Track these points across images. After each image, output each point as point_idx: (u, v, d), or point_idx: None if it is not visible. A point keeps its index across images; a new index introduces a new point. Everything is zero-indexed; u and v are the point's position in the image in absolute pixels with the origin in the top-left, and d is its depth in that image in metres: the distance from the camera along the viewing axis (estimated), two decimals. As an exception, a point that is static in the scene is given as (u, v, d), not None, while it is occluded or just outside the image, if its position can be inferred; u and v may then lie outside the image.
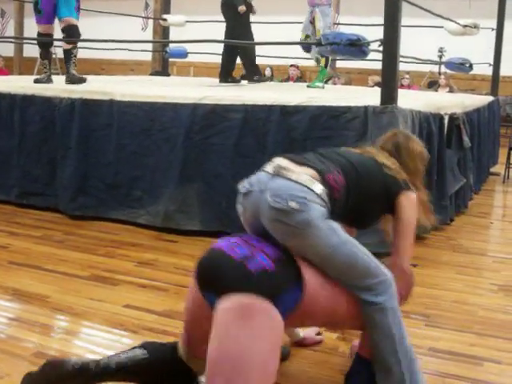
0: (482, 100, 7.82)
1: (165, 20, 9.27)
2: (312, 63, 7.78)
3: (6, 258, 4.18)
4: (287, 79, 12.70)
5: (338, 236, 2.32)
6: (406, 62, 6.60)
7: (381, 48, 4.39)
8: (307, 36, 7.00)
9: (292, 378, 2.74)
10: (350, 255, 2.32)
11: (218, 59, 7.38)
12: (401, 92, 4.69)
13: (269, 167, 2.44)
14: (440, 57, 12.14)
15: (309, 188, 2.31)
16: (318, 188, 2.33)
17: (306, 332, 3.01)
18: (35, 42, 6.24)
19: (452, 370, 2.82)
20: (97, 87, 5.60)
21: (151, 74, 10.12)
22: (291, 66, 12.83)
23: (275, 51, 7.61)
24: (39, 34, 6.16)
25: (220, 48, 7.31)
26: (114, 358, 2.35)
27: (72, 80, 5.95)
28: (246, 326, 2.05)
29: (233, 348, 2.03)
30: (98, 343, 2.97)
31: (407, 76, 12.26)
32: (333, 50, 4.89)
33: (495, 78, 8.78)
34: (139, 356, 2.38)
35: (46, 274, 3.89)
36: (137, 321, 3.22)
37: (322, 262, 2.32)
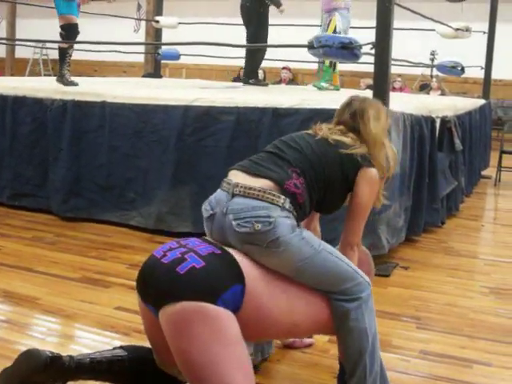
0: (473, 103, 7.84)
1: (157, 22, 9.25)
2: (304, 66, 7.78)
3: (-4, 259, 4.18)
4: (279, 81, 12.70)
5: (311, 247, 2.29)
6: (397, 65, 6.62)
7: (373, 51, 4.40)
8: None
9: (282, 380, 2.75)
10: (324, 265, 2.30)
11: (210, 61, 7.40)
12: (392, 95, 4.70)
13: (226, 185, 2.38)
14: (432, 60, 12.16)
15: (270, 203, 2.26)
16: (280, 200, 2.28)
17: (297, 334, 3.02)
18: (26, 42, 6.02)
19: (443, 373, 2.83)
20: (89, 89, 5.59)
21: (143, 76, 10.10)
22: (283, 68, 12.85)
23: (268, 54, 7.59)
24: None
25: (212, 50, 7.31)
26: (89, 355, 2.31)
27: (63, 82, 5.87)
28: (194, 335, 2.01)
29: (194, 360, 2.01)
30: (89, 345, 2.96)
31: (399, 79, 12.30)
32: (325, 52, 4.88)
33: (487, 81, 8.81)
34: (116, 355, 2.33)
35: (37, 276, 3.88)
36: (128, 323, 3.21)
37: (297, 276, 2.30)
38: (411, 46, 10.72)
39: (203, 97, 4.99)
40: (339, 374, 2.53)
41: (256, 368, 2.53)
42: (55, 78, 6.04)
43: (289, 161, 2.41)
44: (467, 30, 7.90)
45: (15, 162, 5.52)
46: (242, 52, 7.68)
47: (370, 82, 9.62)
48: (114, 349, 2.39)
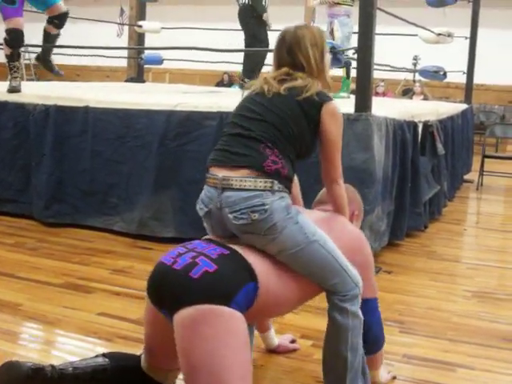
0: (455, 108, 7.89)
1: (140, 27, 9.25)
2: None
3: (-22, 265, 4.14)
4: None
5: (304, 234, 2.30)
6: (380, 70, 6.65)
7: (355, 56, 4.42)
8: None
9: (267, 385, 2.74)
10: (314, 257, 2.32)
11: (194, 66, 7.40)
12: (375, 100, 4.71)
13: (213, 180, 2.37)
14: (414, 65, 12.25)
15: (260, 190, 2.27)
16: (267, 185, 2.28)
17: (280, 339, 3.02)
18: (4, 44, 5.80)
19: (426, 377, 2.84)
20: (71, 94, 5.57)
21: (126, 81, 10.08)
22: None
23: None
24: (11, 31, 5.46)
25: (196, 55, 7.32)
26: (72, 364, 2.29)
27: (48, 66, 5.68)
28: (206, 337, 2.02)
29: (201, 362, 2.01)
30: (72, 351, 2.94)
31: (382, 83, 12.37)
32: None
33: (469, 86, 8.87)
34: (99, 363, 2.32)
35: (19, 282, 3.85)
36: (111, 329, 3.20)
37: (292, 263, 2.32)
38: (394, 51, 10.77)
39: (186, 102, 4.99)
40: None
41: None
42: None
43: (255, 138, 2.36)
44: (449, 35, 7.97)
45: (-3, 168, 5.48)
46: (226, 57, 7.70)
47: (353, 86, 9.67)
48: (97, 356, 2.38)
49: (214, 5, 13.89)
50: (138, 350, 2.94)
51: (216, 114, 4.74)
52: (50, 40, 5.96)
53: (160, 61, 9.06)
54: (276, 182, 2.30)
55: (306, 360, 2.95)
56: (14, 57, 5.64)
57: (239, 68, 7.64)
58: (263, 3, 7.19)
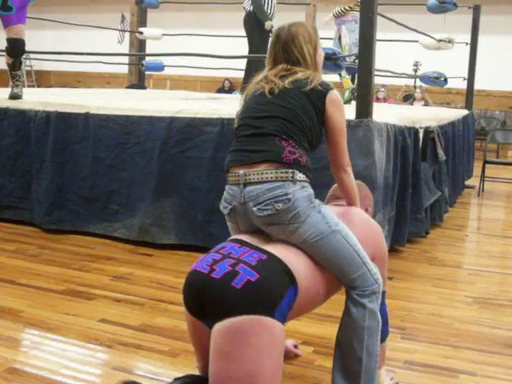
0: (456, 113, 7.89)
1: (141, 33, 9.27)
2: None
3: (-21, 272, 4.14)
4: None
5: (327, 223, 2.34)
6: (381, 76, 6.66)
7: (356, 62, 4.42)
8: None
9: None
10: (336, 247, 2.34)
11: (195, 72, 7.41)
12: (376, 105, 4.71)
13: (234, 178, 2.41)
14: (415, 70, 12.25)
15: (282, 181, 2.31)
16: (289, 175, 2.33)
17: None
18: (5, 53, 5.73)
19: (427, 383, 2.83)
20: (72, 100, 5.57)
21: (127, 87, 10.09)
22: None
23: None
24: (11, 41, 5.42)
25: (197, 61, 7.33)
26: None
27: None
28: (249, 347, 2.03)
29: (241, 371, 2.02)
30: (73, 358, 2.94)
31: (383, 89, 12.38)
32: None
33: (470, 92, 8.87)
34: None
35: (20, 289, 3.84)
36: (112, 335, 3.19)
37: (315, 254, 2.34)
38: (395, 57, 10.78)
39: (187, 108, 4.99)
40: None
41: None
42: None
43: (269, 133, 2.41)
44: (450, 41, 7.98)
45: (-2, 174, 5.48)
46: (226, 63, 7.70)
47: (354, 92, 9.67)
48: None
49: (214, 11, 13.91)
50: (138, 356, 2.94)
51: (217, 121, 4.73)
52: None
53: (161, 67, 9.07)
54: (296, 171, 2.35)
55: (307, 367, 2.94)
56: (15, 66, 5.64)
57: (240, 74, 7.64)
58: (267, 11, 7.18)
